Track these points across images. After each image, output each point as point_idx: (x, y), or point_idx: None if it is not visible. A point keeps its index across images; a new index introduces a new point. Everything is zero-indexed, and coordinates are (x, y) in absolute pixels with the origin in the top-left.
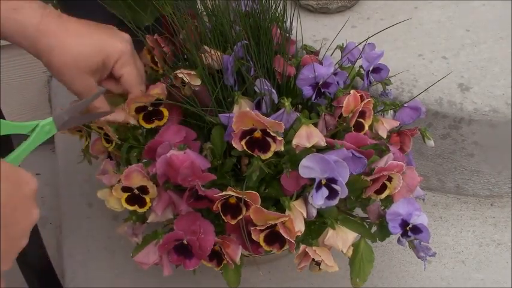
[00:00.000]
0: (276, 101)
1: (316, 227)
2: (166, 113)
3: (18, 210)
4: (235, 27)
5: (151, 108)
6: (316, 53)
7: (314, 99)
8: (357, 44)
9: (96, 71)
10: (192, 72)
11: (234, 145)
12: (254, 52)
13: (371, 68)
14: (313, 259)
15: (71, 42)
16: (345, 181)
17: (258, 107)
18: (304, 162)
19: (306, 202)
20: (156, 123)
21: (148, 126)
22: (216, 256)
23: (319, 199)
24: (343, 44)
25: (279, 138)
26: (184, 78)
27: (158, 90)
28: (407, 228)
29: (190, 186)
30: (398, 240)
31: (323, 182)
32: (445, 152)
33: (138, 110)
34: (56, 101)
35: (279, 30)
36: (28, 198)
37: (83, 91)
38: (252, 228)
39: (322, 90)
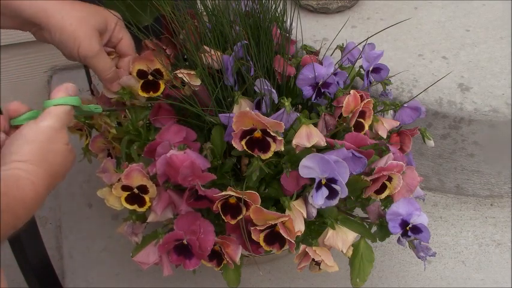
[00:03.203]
0: (276, 101)
1: (316, 227)
2: (162, 86)
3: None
4: (235, 27)
5: (151, 78)
6: (316, 53)
7: (314, 99)
8: (357, 44)
9: (100, 31)
10: (192, 72)
11: (234, 145)
12: (254, 52)
13: (371, 68)
14: (313, 259)
15: (71, 7)
16: (345, 181)
17: (258, 107)
18: (304, 162)
19: (306, 202)
20: (151, 94)
21: (144, 94)
22: (216, 256)
23: (319, 199)
24: (343, 44)
25: (279, 138)
26: (184, 78)
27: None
28: (407, 228)
29: (190, 186)
30: (399, 240)
31: (323, 182)
32: (445, 152)
33: (140, 74)
34: None
35: (279, 30)
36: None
37: (90, 51)
38: (252, 228)
39: (322, 90)
